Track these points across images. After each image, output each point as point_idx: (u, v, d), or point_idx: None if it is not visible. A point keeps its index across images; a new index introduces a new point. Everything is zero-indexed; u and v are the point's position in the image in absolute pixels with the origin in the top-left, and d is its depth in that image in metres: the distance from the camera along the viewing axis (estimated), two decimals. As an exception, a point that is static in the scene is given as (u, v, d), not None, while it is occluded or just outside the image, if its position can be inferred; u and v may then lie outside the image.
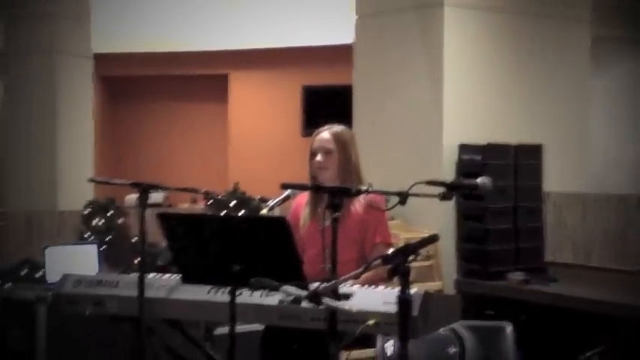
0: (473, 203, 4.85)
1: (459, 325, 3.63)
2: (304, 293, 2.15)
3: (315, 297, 2.07)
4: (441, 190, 2.40)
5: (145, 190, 2.85)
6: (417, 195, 2.32)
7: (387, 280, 2.11)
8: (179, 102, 9.66)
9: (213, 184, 7.29)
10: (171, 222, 2.73)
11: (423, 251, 2.17)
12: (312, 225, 3.22)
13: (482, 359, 3.63)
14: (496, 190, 2.83)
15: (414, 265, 2.87)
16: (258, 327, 3.54)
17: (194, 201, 8.19)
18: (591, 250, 5.09)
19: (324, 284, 2.22)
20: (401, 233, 4.92)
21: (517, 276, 4.75)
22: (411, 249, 1.95)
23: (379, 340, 3.40)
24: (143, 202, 2.83)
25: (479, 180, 2.41)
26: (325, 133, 3.28)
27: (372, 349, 3.41)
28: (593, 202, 5.19)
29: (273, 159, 8.87)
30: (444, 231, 4.86)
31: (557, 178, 5.17)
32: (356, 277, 2.14)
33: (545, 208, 5.08)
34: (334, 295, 2.23)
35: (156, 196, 6.94)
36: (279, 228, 2.58)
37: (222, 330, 3.78)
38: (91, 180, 2.96)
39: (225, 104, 9.35)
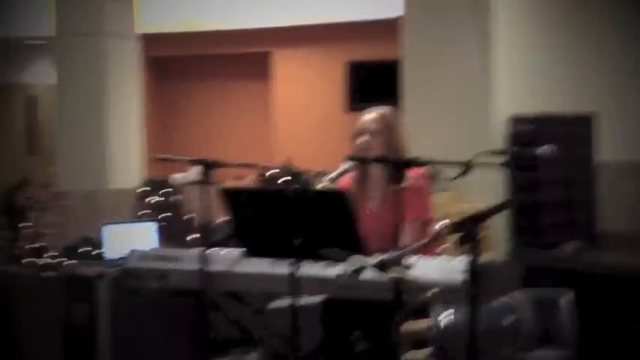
0: (525, 174, 4.81)
1: (516, 295, 3.63)
2: (372, 263, 2.18)
3: (382, 266, 2.10)
4: (499, 160, 2.39)
5: (208, 166, 2.89)
6: (480, 165, 2.32)
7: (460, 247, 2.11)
8: (224, 80, 9.72)
9: (258, 160, 7.35)
10: (234, 196, 2.77)
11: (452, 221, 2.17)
12: (360, 208, 3.24)
13: (539, 329, 3.63)
14: (551, 159, 2.83)
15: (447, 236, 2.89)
16: (314, 300, 3.59)
17: (239, 178, 8.25)
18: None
19: (390, 254, 2.24)
20: (453, 205, 4.92)
21: (571, 246, 4.72)
22: (481, 216, 1.95)
23: (433, 311, 3.43)
24: (206, 179, 2.88)
25: (542, 148, 2.41)
26: (371, 114, 3.27)
27: (426, 321, 3.43)
28: (648, 170, 5.13)
29: (317, 135, 8.88)
30: (497, 202, 4.82)
31: (611, 147, 5.11)
32: (422, 247, 2.16)
33: (599, 178, 5.02)
34: (400, 265, 2.25)
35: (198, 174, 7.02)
36: (341, 201, 2.60)
37: (277, 304, 3.84)
38: (157, 158, 3.02)
39: (269, 81, 9.38)
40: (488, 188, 4.77)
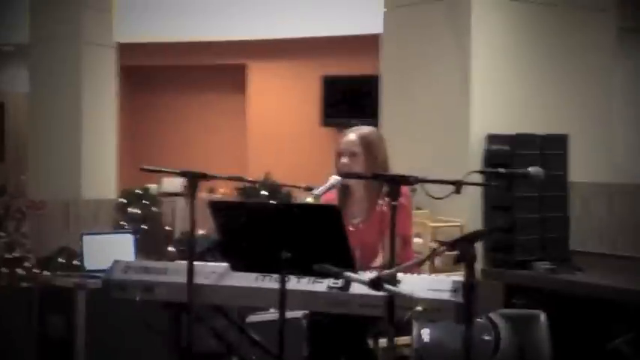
0: (500, 193, 4.89)
1: (494, 314, 3.68)
2: (366, 280, 2.20)
3: (376, 283, 2.12)
4: (479, 179, 2.43)
5: (193, 178, 2.89)
6: (472, 184, 2.36)
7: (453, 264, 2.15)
8: (198, 92, 9.69)
9: (232, 173, 7.32)
10: (222, 209, 2.77)
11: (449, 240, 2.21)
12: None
13: (516, 347, 3.68)
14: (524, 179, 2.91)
15: (443, 254, 2.94)
16: (294, 315, 3.60)
17: (211, 191, 8.24)
18: (617, 240, 5.13)
19: (385, 271, 2.27)
20: (428, 222, 4.98)
21: (543, 265, 4.79)
22: (476, 236, 1.99)
23: (415, 327, 3.46)
24: (192, 191, 2.87)
25: (531, 168, 2.46)
26: (351, 135, 3.28)
27: (408, 337, 3.46)
28: (619, 191, 5.23)
29: (292, 149, 8.90)
30: (471, 220, 4.90)
31: (582, 168, 5.21)
32: (417, 265, 2.19)
33: (570, 198, 5.12)
34: (393, 282, 2.28)
35: (173, 185, 7.01)
36: (331, 216, 2.62)
37: (255, 318, 3.84)
38: (143, 169, 3.00)
39: (244, 94, 9.38)
40: (461, 206, 4.84)
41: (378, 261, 3.16)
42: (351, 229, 3.16)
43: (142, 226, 4.87)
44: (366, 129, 3.34)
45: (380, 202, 3.22)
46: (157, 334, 3.45)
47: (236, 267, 2.86)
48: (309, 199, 2.96)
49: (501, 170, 2.39)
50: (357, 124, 3.39)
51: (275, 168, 6.91)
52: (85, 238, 4.18)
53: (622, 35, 5.80)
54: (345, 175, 2.89)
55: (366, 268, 2.99)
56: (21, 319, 4.12)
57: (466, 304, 1.99)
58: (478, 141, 5.04)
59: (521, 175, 2.48)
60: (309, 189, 2.98)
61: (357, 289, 2.68)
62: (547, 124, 5.20)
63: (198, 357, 3.30)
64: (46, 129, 6.50)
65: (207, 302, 3.02)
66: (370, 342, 3.27)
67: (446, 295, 2.63)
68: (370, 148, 3.26)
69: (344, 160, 3.23)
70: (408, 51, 5.46)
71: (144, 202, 5.06)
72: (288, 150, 8.89)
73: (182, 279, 2.92)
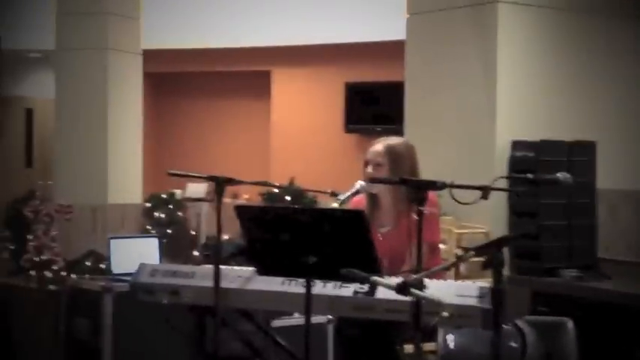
0: (525, 199, 4.85)
1: (520, 320, 3.65)
2: (393, 284, 2.20)
3: (403, 288, 2.12)
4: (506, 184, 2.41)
5: (220, 183, 2.90)
6: (499, 189, 2.35)
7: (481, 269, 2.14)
8: (222, 98, 9.76)
9: (255, 179, 7.35)
10: (248, 213, 2.78)
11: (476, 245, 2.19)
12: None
13: (543, 354, 3.65)
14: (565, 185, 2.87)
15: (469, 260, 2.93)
16: (319, 320, 3.61)
17: (235, 196, 8.27)
18: (645, 248, 5.08)
19: (412, 276, 2.26)
20: (453, 229, 4.96)
21: (570, 273, 4.75)
22: (504, 242, 1.98)
23: (440, 333, 3.44)
24: (219, 196, 2.89)
25: (559, 174, 2.44)
26: (378, 146, 3.29)
27: (433, 343, 3.45)
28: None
29: (315, 156, 8.92)
30: (496, 227, 4.87)
31: (610, 175, 5.17)
32: (444, 270, 2.18)
33: (598, 205, 5.07)
34: (420, 287, 2.27)
35: (197, 190, 7.06)
36: (357, 221, 2.62)
37: (279, 322, 3.85)
38: (170, 174, 3.02)
39: (267, 100, 9.42)
40: (486, 213, 4.81)
41: (406, 267, 3.16)
42: (379, 237, 3.16)
43: (168, 231, 4.90)
44: (394, 140, 3.34)
45: (409, 210, 3.21)
46: (183, 337, 3.47)
47: (262, 271, 2.87)
48: (335, 205, 2.97)
49: (529, 176, 2.37)
50: (380, 131, 3.39)
51: (298, 174, 6.94)
52: (112, 241, 4.22)
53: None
54: (370, 179, 2.89)
55: (394, 274, 2.98)
56: (49, 321, 4.16)
57: (494, 310, 1.98)
58: (504, 147, 5.01)
59: (550, 181, 2.47)
60: (334, 194, 2.99)
61: (383, 294, 2.68)
62: (574, 130, 5.16)
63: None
64: (73, 135, 6.56)
65: (233, 306, 3.03)
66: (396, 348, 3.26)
67: (473, 301, 2.62)
68: (395, 159, 3.26)
69: (369, 169, 3.24)
70: (432, 57, 5.44)
71: (169, 206, 5.09)
72: (311, 156, 8.91)
73: (208, 283, 2.93)
